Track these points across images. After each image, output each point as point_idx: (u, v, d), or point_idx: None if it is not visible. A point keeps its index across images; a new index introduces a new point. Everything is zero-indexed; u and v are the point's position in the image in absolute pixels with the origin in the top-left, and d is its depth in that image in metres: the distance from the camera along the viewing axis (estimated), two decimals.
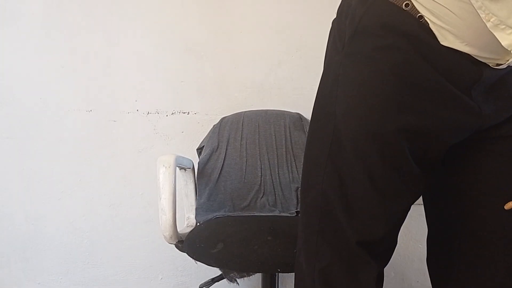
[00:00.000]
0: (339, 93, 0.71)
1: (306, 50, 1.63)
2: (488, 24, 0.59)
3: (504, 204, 0.70)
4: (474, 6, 0.59)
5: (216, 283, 1.32)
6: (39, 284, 1.70)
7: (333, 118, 0.71)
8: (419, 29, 0.64)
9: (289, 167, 1.44)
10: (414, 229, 1.63)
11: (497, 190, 0.73)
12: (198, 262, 1.18)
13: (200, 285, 1.35)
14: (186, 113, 1.65)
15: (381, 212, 0.71)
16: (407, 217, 0.77)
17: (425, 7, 0.64)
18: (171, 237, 1.17)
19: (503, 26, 0.57)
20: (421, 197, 0.86)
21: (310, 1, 1.62)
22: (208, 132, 1.52)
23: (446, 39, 0.64)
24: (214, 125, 1.52)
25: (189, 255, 1.18)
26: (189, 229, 1.29)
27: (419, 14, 0.64)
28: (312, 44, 1.62)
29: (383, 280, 0.78)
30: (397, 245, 0.80)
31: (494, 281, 0.73)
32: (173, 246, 1.22)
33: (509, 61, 0.63)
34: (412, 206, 0.77)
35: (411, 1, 0.65)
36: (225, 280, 1.24)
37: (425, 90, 0.66)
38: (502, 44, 0.58)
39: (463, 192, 0.76)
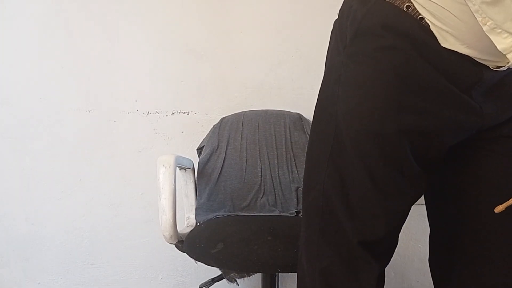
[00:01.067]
0: (340, 94, 0.71)
1: (306, 50, 1.63)
2: (485, 28, 0.59)
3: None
4: (471, 9, 0.60)
5: (216, 283, 1.32)
6: (39, 284, 1.70)
7: (334, 118, 0.71)
8: (420, 30, 0.65)
9: (289, 167, 1.44)
10: (414, 229, 1.63)
11: (498, 190, 0.73)
12: (198, 262, 1.18)
13: (200, 285, 1.35)
14: (186, 113, 1.65)
15: (382, 212, 0.71)
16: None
17: (426, 9, 0.64)
18: (171, 237, 1.17)
19: (499, 30, 0.58)
20: (422, 197, 0.86)
21: (310, 1, 1.62)
22: (208, 132, 1.52)
23: (447, 41, 0.64)
24: (214, 125, 1.52)
25: (189, 255, 1.18)
26: (189, 229, 1.29)
27: (420, 16, 0.64)
28: (312, 44, 1.61)
29: (384, 279, 0.78)
30: (397, 245, 0.80)
31: (494, 281, 0.73)
32: (173, 246, 1.22)
33: (509, 63, 0.63)
34: (412, 206, 0.77)
35: (412, 3, 0.65)
36: (225, 280, 1.24)
37: (426, 90, 0.67)
38: (498, 48, 0.59)
39: (464, 191, 0.76)
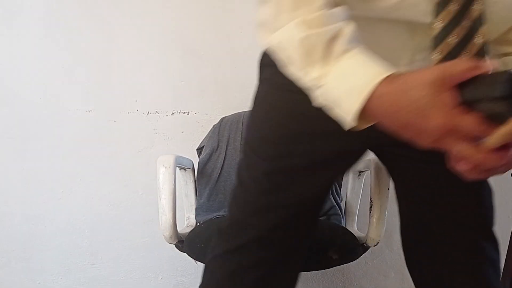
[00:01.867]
0: (252, 110, 0.85)
1: None
2: None
3: (433, 202, 0.77)
4: None
5: None
6: (39, 284, 1.71)
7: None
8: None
9: None
10: None
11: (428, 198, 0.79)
12: (198, 262, 1.18)
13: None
14: (186, 113, 1.65)
15: (266, 206, 0.78)
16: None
17: None
18: (171, 237, 1.17)
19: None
20: None
21: None
22: (208, 132, 1.52)
23: None
24: (214, 125, 1.52)
25: (189, 255, 1.18)
26: (189, 229, 1.29)
27: None
28: None
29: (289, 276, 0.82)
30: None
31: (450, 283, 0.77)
32: (173, 246, 1.22)
33: None
34: None
35: None
36: None
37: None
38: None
39: (405, 198, 0.84)
